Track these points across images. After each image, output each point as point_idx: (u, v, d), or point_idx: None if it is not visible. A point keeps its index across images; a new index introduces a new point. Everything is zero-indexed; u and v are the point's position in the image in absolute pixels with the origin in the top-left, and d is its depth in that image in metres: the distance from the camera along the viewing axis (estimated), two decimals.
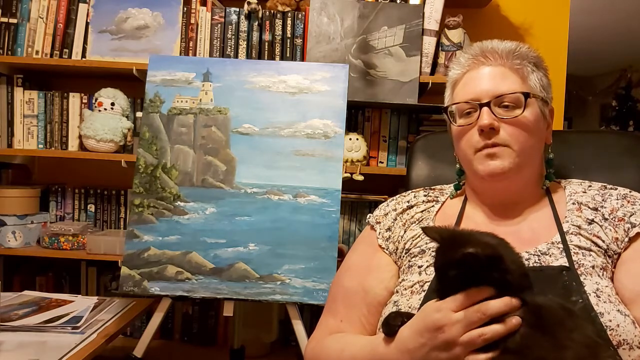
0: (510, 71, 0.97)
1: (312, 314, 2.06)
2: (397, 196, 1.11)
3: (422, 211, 1.04)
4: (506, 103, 0.94)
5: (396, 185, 2.03)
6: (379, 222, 1.06)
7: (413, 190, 1.11)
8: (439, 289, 0.79)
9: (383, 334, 0.85)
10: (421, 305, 0.88)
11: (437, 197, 1.08)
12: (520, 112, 0.94)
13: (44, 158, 2.26)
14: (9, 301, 1.50)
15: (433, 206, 1.05)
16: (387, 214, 1.06)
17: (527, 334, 0.71)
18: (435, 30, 1.98)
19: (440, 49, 2.00)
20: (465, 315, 0.74)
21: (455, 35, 1.98)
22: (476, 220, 1.01)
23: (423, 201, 1.07)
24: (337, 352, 0.94)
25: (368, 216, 1.10)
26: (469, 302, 0.74)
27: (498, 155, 0.94)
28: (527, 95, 0.94)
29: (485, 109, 0.94)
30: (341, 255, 1.66)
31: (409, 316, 0.83)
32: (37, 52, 2.03)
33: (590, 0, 4.19)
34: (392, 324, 0.83)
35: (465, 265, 0.73)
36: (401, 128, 2.06)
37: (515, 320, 0.72)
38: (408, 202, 1.07)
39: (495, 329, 0.72)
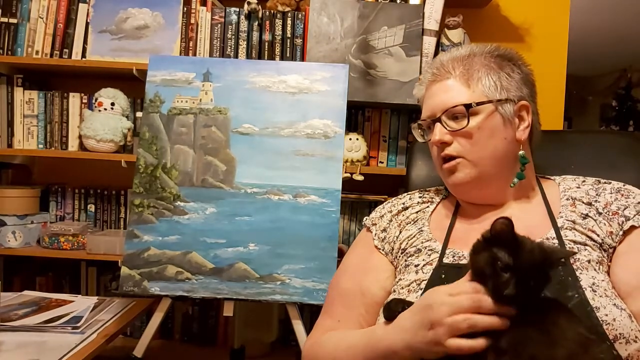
0: (457, 81, 0.99)
1: (312, 314, 2.06)
2: (394, 198, 1.13)
3: (417, 212, 1.07)
4: (456, 114, 0.97)
5: (396, 185, 2.03)
6: (375, 224, 1.08)
7: (409, 193, 1.14)
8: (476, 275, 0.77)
9: (384, 318, 0.87)
10: None
11: (432, 197, 1.10)
12: (465, 124, 0.96)
13: (44, 158, 2.26)
14: (9, 301, 1.49)
15: (428, 207, 1.08)
16: (383, 215, 1.09)
17: (520, 332, 0.72)
18: (435, 30, 1.98)
19: (440, 49, 2.00)
20: (456, 299, 0.74)
21: (455, 35, 1.98)
22: (471, 219, 1.02)
23: (418, 202, 1.09)
24: (334, 345, 0.95)
25: (365, 219, 1.12)
26: (470, 292, 0.74)
27: (456, 169, 0.98)
28: (468, 106, 0.95)
29: (437, 124, 0.99)
30: (341, 255, 1.66)
31: (410, 304, 0.84)
32: (37, 52, 2.03)
33: (591, 1, 4.19)
34: (393, 309, 0.85)
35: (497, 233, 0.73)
36: (401, 128, 2.07)
37: (506, 320, 0.72)
38: (403, 204, 1.09)
39: (483, 318, 0.72)
